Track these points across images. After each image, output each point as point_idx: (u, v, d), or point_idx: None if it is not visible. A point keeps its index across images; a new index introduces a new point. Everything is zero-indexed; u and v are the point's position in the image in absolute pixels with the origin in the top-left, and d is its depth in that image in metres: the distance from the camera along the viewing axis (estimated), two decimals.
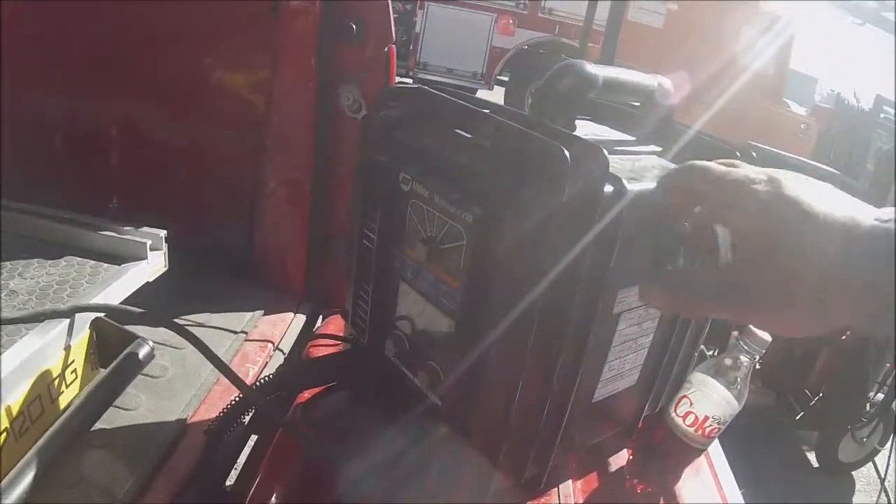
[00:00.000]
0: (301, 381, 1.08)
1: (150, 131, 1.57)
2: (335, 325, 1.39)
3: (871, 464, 3.67)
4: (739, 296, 0.57)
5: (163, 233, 1.22)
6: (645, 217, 0.74)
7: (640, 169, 0.83)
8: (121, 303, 1.10)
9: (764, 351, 1.00)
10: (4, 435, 0.90)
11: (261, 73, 1.51)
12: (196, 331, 1.02)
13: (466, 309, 0.82)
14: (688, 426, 1.03)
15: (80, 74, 1.49)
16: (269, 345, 1.37)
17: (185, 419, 1.12)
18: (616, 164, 0.75)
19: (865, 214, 0.51)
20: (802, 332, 0.56)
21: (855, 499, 3.77)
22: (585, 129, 0.95)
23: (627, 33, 4.04)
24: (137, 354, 1.03)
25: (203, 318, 1.39)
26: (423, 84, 0.94)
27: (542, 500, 1.00)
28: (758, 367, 1.03)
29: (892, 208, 0.50)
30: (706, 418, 1.02)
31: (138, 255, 1.19)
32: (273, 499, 0.96)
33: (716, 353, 1.11)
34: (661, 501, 1.06)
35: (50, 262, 1.14)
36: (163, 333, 1.25)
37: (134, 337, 1.06)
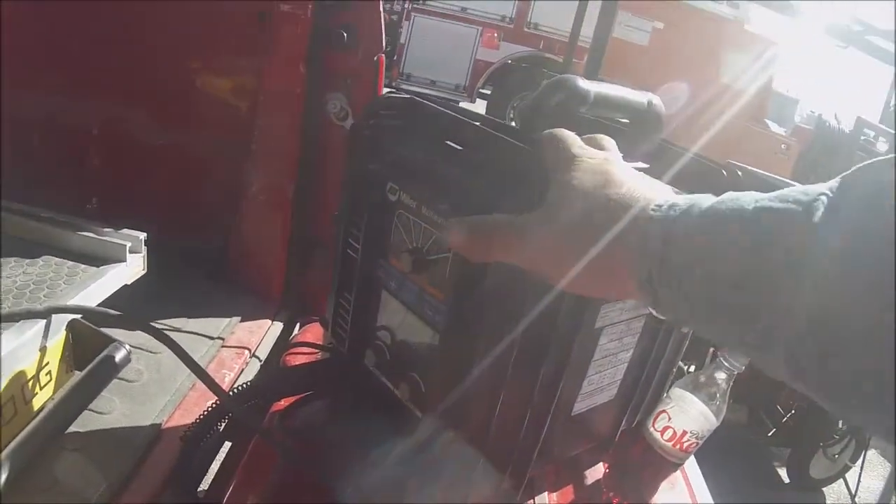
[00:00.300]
0: (279, 389, 1.07)
1: (132, 133, 1.56)
2: (313, 333, 1.38)
3: (841, 480, 3.69)
4: (541, 238, 0.61)
5: (143, 235, 1.21)
6: None
7: None
8: (98, 305, 1.09)
9: (743, 368, 1.01)
10: None
11: (248, 78, 1.51)
12: (172, 335, 1.01)
13: (451, 321, 0.82)
14: (666, 440, 1.04)
15: (63, 74, 1.48)
16: (246, 351, 1.36)
17: (160, 424, 1.10)
18: None
19: (657, 196, 0.54)
20: (587, 289, 0.62)
21: None
22: None
23: (612, 50, 4.06)
24: (114, 357, 1.02)
25: (180, 322, 1.37)
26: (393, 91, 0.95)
27: None
28: None
29: (689, 196, 0.53)
30: (684, 433, 1.02)
31: (117, 258, 1.18)
32: None
33: (693, 369, 1.12)
34: None
35: (27, 261, 1.12)
36: (138, 337, 1.24)
37: (110, 340, 1.05)
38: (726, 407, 1.04)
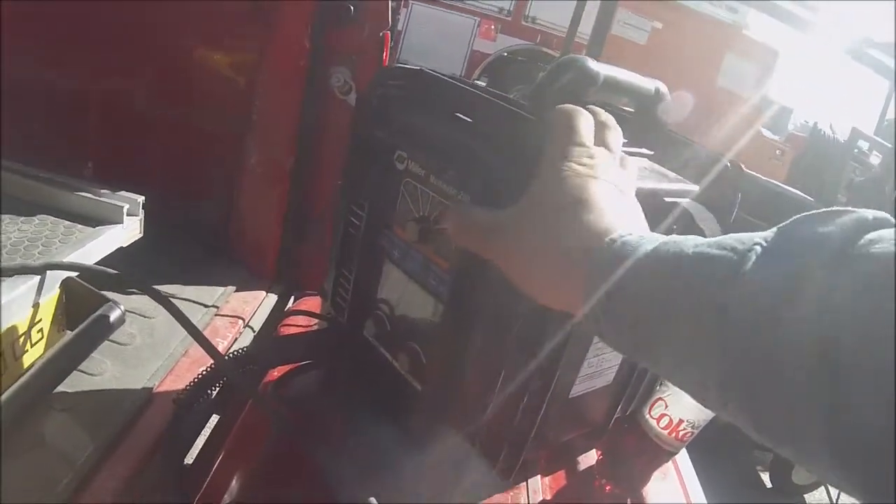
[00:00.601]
0: (276, 356, 1.06)
1: (132, 102, 1.54)
2: (308, 306, 1.37)
3: (823, 487, 3.71)
4: (505, 242, 0.64)
5: (140, 198, 1.20)
6: None
7: None
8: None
9: None
10: None
11: (251, 50, 1.49)
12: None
13: (455, 291, 0.81)
14: (661, 428, 1.03)
15: (63, 41, 1.45)
16: (240, 321, 1.35)
17: (151, 388, 1.09)
18: None
19: (615, 230, 0.56)
20: (541, 299, 0.63)
21: None
22: None
23: (610, 47, 4.05)
24: (108, 317, 1.00)
25: (174, 289, 1.36)
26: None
27: (511, 495, 1.00)
28: None
29: (643, 234, 0.55)
30: (681, 421, 1.02)
31: (114, 219, 1.16)
32: (236, 477, 0.95)
33: None
34: (629, 502, 1.05)
35: (23, 219, 1.11)
36: (132, 301, 1.23)
37: (105, 300, 1.03)
38: None
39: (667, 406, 1.03)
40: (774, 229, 0.47)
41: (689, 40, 7.87)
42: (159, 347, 1.17)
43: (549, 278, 0.60)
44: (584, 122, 0.67)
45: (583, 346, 0.87)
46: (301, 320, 1.30)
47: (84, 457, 0.92)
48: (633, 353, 0.55)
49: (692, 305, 0.47)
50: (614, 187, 0.63)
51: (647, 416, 1.05)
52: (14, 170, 1.18)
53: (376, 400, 0.98)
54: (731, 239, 0.48)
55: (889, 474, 0.36)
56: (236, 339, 1.30)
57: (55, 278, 1.01)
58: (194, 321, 1.22)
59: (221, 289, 1.44)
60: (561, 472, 1.09)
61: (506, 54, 9.63)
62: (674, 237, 0.53)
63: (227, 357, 0.97)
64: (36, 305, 0.98)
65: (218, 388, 1.00)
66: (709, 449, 1.58)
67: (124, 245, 1.17)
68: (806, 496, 3.91)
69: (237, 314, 1.36)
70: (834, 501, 2.87)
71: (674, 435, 1.03)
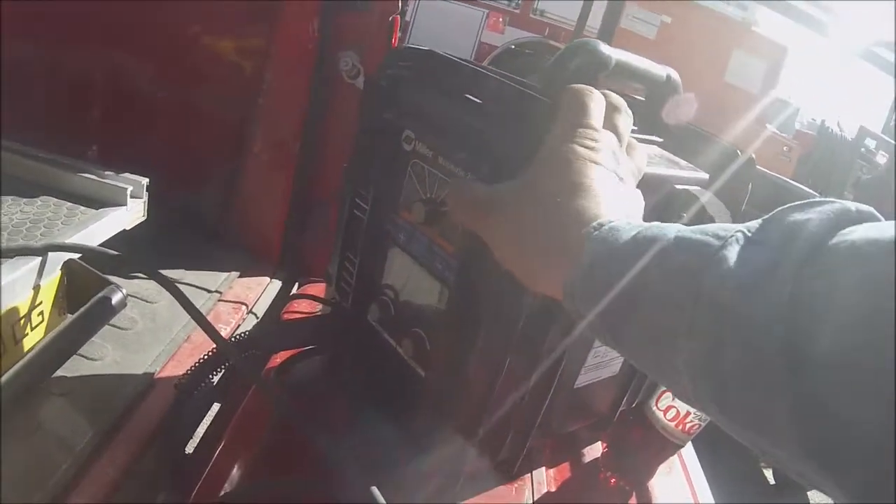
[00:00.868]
0: (278, 341, 1.05)
1: (137, 85, 1.53)
2: (312, 292, 1.36)
3: None
4: (497, 220, 0.64)
5: (145, 181, 1.18)
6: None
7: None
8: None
9: None
10: None
11: (258, 35, 1.47)
12: None
13: (461, 276, 0.80)
14: (668, 420, 1.02)
15: (68, 20, 1.44)
16: (243, 307, 1.34)
17: (153, 374, 1.08)
18: None
19: (605, 215, 0.57)
20: (525, 280, 0.64)
21: None
22: None
23: (619, 40, 4.04)
24: (110, 300, 0.98)
25: (177, 274, 1.35)
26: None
27: (515, 486, 0.99)
28: None
29: (632, 221, 0.56)
30: (688, 413, 1.01)
31: (117, 201, 1.14)
32: (237, 466, 0.94)
33: None
34: (634, 496, 1.04)
35: (25, 200, 1.09)
36: (134, 285, 1.22)
37: (107, 282, 1.02)
38: None
39: (674, 398, 1.01)
40: (759, 220, 0.47)
41: (697, 36, 7.86)
42: (161, 332, 1.16)
43: (536, 259, 0.61)
44: (595, 102, 0.66)
45: (590, 335, 0.86)
46: (305, 306, 1.29)
47: (83, 442, 0.91)
48: (607, 336, 0.55)
49: (668, 286, 0.48)
50: (614, 175, 0.63)
51: (654, 407, 1.04)
52: (16, 150, 1.16)
53: (380, 386, 0.97)
54: (716, 227, 0.49)
55: (855, 459, 0.37)
56: (239, 325, 1.29)
57: (57, 260, 1.00)
58: (198, 306, 1.21)
59: (225, 274, 1.42)
60: (566, 464, 1.08)
61: (513, 47, 9.61)
62: (659, 223, 0.53)
63: (230, 340, 0.95)
64: (37, 287, 0.97)
65: (220, 375, 0.99)
66: (711, 445, 1.57)
67: (127, 228, 1.16)
68: (809, 494, 3.91)
69: (240, 300, 1.35)
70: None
71: (681, 427, 1.02)
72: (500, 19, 9.42)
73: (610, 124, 0.67)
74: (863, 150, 6.74)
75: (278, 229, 1.54)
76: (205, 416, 1.20)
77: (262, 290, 1.44)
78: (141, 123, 1.56)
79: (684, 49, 7.56)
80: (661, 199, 0.75)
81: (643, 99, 0.94)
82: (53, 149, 1.21)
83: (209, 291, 1.34)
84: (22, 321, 0.96)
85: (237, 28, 1.51)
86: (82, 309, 0.98)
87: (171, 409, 0.97)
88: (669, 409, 1.02)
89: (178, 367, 1.10)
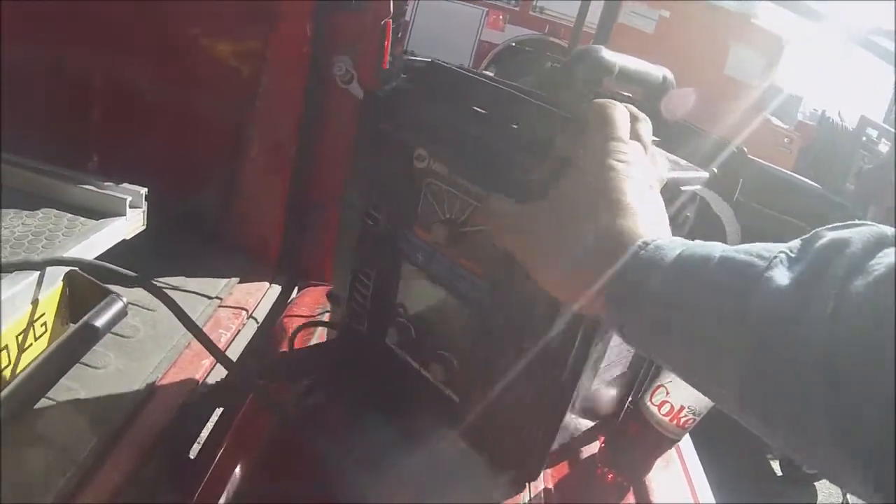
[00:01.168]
0: (294, 371, 1.05)
1: (134, 91, 1.54)
2: (311, 297, 1.38)
3: None
4: (531, 236, 0.65)
5: (143, 190, 1.19)
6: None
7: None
8: (96, 258, 1.08)
9: None
10: None
11: (254, 38, 1.48)
12: (170, 293, 1.00)
13: (494, 296, 0.80)
14: (663, 415, 1.03)
15: (64, 26, 1.45)
16: (244, 312, 1.35)
17: (154, 382, 1.09)
18: None
19: (648, 231, 0.59)
20: (562, 296, 0.66)
21: None
22: None
23: (617, 36, 4.05)
24: (111, 309, 1.00)
25: (178, 281, 1.36)
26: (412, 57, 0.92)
27: None
28: None
29: (673, 238, 0.58)
30: (682, 408, 1.02)
31: (117, 212, 1.16)
32: (237, 470, 0.95)
33: None
34: (632, 491, 1.05)
35: (26, 212, 1.11)
36: (135, 293, 1.23)
37: (108, 292, 1.03)
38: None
39: (668, 393, 1.02)
40: (799, 240, 0.50)
41: (696, 29, 7.84)
42: (162, 340, 1.18)
43: (575, 276, 0.61)
44: (620, 115, 0.67)
45: (607, 339, 0.87)
46: (305, 311, 1.30)
47: (86, 450, 0.93)
48: (651, 350, 0.57)
49: (715, 304, 0.50)
50: (646, 185, 0.64)
51: (649, 403, 1.05)
52: (17, 163, 1.18)
53: (400, 407, 0.96)
54: (759, 247, 0.51)
55: (891, 468, 0.38)
56: (239, 331, 1.30)
57: (58, 272, 1.01)
58: (198, 313, 1.23)
59: (225, 280, 1.44)
60: (563, 461, 1.09)
61: (514, 44, 9.61)
62: (700, 242, 0.55)
63: (243, 363, 0.96)
64: (36, 301, 0.98)
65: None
66: (719, 438, 1.58)
67: (127, 237, 1.17)
68: (817, 484, 3.91)
69: (241, 305, 1.36)
70: (845, 491, 2.87)
71: (675, 422, 1.03)
72: (500, 17, 9.42)
73: (634, 134, 0.68)
74: (864, 139, 6.72)
75: (277, 232, 1.55)
76: (208, 420, 1.21)
77: (261, 295, 1.45)
78: (139, 127, 1.56)
79: (683, 43, 7.55)
80: (669, 201, 0.76)
81: (638, 100, 0.95)
82: (51, 154, 1.22)
83: (209, 298, 1.35)
84: (25, 333, 0.97)
85: (234, 31, 1.51)
86: (83, 319, 0.99)
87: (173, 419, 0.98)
88: (664, 404, 1.03)
89: (180, 374, 1.12)
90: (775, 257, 0.48)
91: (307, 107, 1.45)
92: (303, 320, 1.26)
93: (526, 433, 0.86)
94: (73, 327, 1.03)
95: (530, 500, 0.98)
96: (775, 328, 0.45)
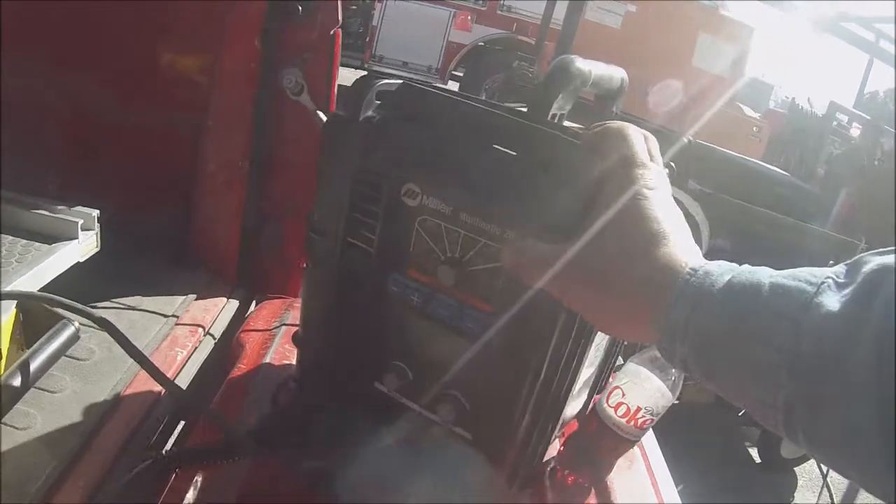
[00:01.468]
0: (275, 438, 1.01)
1: (87, 110, 1.53)
2: (268, 310, 1.37)
3: (813, 460, 3.74)
4: (572, 276, 0.64)
5: (95, 212, 1.19)
6: None
7: None
8: (51, 282, 1.08)
9: None
10: None
11: (205, 54, 1.48)
12: (126, 314, 1.00)
13: (507, 334, 0.79)
14: (619, 417, 1.04)
15: (18, 51, 1.44)
16: (200, 329, 1.34)
17: (111, 403, 1.09)
18: None
19: (692, 260, 0.59)
20: (608, 328, 0.70)
21: (797, 495, 3.85)
22: None
23: (584, 32, 4.08)
24: (62, 335, 1.00)
25: (134, 300, 1.35)
26: (378, 76, 0.87)
27: None
28: None
29: (719, 263, 0.59)
30: (638, 409, 1.02)
31: (69, 235, 1.15)
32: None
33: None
34: (593, 493, 1.05)
35: None
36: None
37: (60, 317, 1.03)
38: (686, 390, 1.04)
39: (623, 395, 1.03)
40: (843, 265, 0.51)
41: (664, 22, 7.88)
42: (118, 362, 1.17)
43: (625, 309, 0.62)
44: (636, 136, 0.67)
45: (590, 338, 0.86)
46: (262, 325, 1.30)
47: (45, 473, 0.92)
48: (702, 374, 0.58)
49: (768, 330, 0.51)
50: (672, 205, 0.65)
51: (605, 405, 1.05)
52: None
53: (409, 450, 0.94)
54: (805, 272, 0.52)
55: None
56: (195, 348, 1.29)
57: (11, 301, 1.01)
58: (154, 332, 1.22)
59: (181, 297, 1.43)
60: None
61: (482, 44, 9.66)
62: (747, 267, 0.56)
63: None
64: None
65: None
66: (697, 426, 1.59)
67: (81, 260, 1.17)
68: (796, 470, 3.94)
69: (197, 322, 1.36)
70: (824, 473, 2.89)
71: (632, 423, 1.03)
72: (468, 17, 9.45)
73: (648, 154, 0.68)
74: (835, 124, 6.78)
75: (234, 248, 1.54)
76: (173, 433, 1.20)
77: (218, 311, 1.44)
78: (95, 150, 1.56)
79: (651, 37, 7.60)
80: None
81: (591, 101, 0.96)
82: (6, 178, 1.21)
83: (165, 316, 1.34)
84: None
85: (186, 48, 1.51)
86: (34, 346, 0.99)
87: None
88: (620, 405, 1.03)
89: (136, 394, 1.11)
90: (823, 283, 0.50)
91: (258, 120, 1.44)
92: (259, 335, 1.26)
93: (522, 442, 0.87)
94: (27, 352, 1.02)
95: None
96: (828, 352, 0.47)
